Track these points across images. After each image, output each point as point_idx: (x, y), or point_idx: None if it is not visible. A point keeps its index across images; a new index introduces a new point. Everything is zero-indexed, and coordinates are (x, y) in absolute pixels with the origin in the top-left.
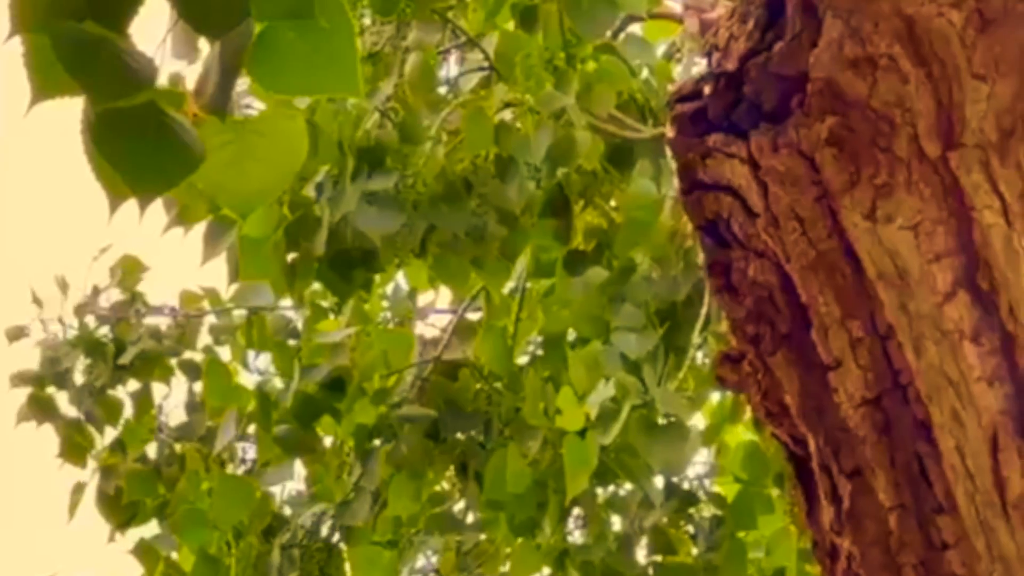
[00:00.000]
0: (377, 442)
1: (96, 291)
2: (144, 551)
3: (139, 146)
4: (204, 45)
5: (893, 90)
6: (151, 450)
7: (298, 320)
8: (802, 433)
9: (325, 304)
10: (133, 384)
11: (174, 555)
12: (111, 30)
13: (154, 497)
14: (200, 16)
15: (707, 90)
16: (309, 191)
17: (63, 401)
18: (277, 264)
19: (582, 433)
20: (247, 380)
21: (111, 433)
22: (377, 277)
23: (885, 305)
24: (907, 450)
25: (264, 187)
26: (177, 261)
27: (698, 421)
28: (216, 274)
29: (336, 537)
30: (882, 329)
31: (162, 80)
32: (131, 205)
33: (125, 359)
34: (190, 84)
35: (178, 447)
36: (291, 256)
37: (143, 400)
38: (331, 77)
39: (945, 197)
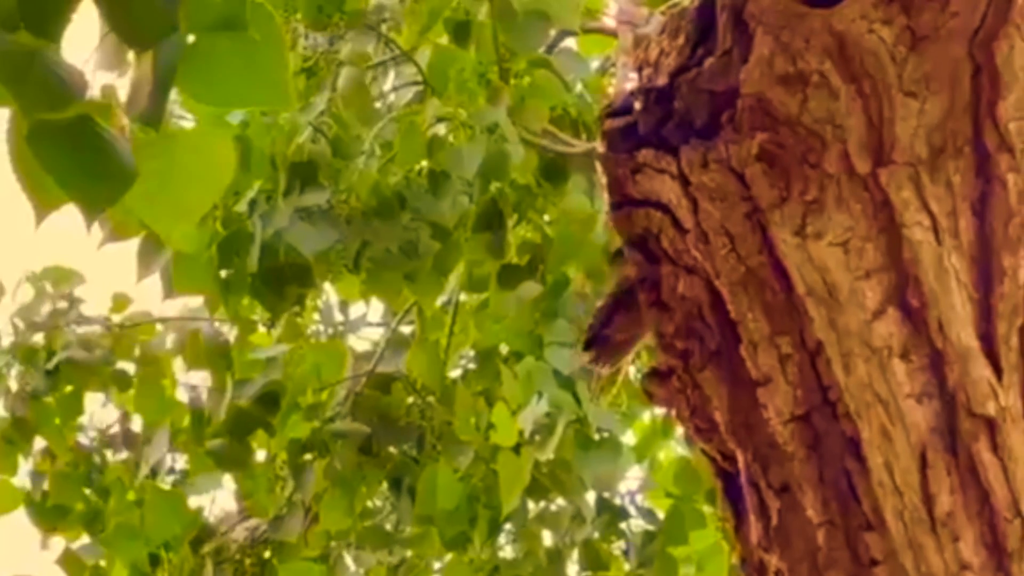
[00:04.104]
0: (310, 457)
1: (36, 298)
2: (69, 560)
3: (78, 161)
4: (133, 57)
5: (823, 106)
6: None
7: (231, 335)
8: (731, 449)
9: (255, 317)
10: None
11: (102, 562)
12: (44, 38)
13: (82, 503)
14: (128, 28)
15: (637, 105)
16: (242, 207)
17: None
18: (210, 280)
19: (516, 449)
20: (181, 393)
21: (42, 441)
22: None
23: (814, 321)
24: (836, 466)
25: (192, 204)
26: (114, 272)
27: (630, 437)
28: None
29: (268, 552)
30: (811, 345)
31: (94, 92)
32: (68, 215)
33: (51, 364)
34: (122, 96)
35: (109, 454)
36: (224, 272)
37: (71, 405)
38: (262, 89)
39: (875, 214)
